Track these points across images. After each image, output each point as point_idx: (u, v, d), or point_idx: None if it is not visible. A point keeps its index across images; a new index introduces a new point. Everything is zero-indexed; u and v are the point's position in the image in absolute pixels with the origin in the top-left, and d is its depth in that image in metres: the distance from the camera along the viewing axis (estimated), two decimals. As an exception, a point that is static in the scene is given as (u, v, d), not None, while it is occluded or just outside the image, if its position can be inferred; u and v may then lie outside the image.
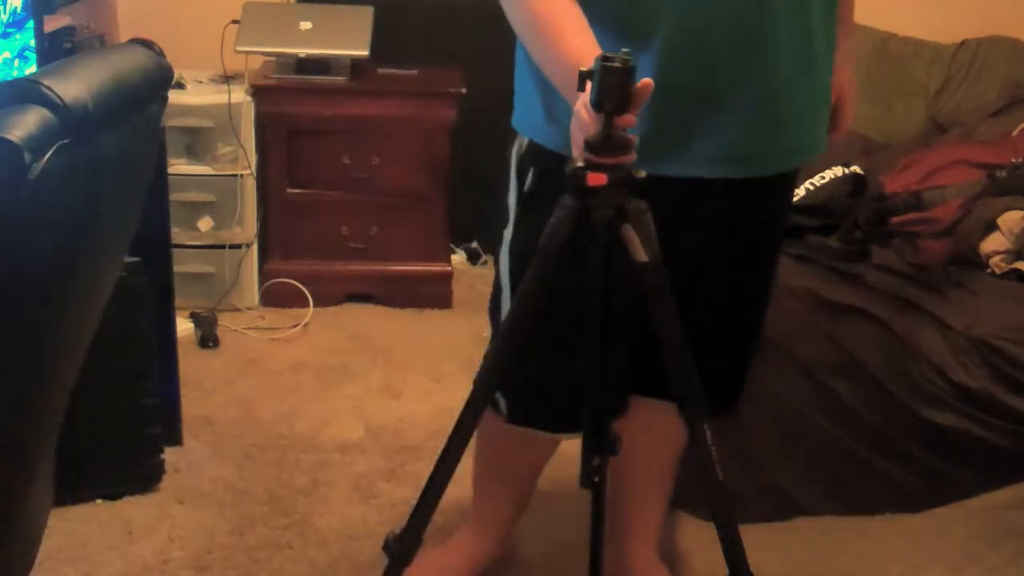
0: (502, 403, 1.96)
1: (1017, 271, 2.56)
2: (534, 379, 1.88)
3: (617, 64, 1.42)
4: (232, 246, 3.48)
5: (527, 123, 1.88)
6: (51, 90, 1.05)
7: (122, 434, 2.44)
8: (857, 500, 2.41)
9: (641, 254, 1.52)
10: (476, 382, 1.70)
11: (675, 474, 2.18)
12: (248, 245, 3.51)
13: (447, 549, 2.20)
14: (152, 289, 2.42)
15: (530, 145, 1.87)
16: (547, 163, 1.82)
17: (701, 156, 1.73)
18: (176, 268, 2.79)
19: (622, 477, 2.05)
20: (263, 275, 3.57)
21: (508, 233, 1.94)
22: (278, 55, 3.55)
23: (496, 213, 2.00)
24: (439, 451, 1.67)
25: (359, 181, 3.54)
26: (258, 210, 3.54)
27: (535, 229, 1.87)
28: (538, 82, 1.81)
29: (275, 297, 3.56)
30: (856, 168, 2.89)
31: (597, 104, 1.45)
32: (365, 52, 3.46)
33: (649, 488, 2.18)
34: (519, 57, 1.86)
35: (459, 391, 2.15)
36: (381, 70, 3.62)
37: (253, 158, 3.47)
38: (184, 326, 3.17)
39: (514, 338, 1.62)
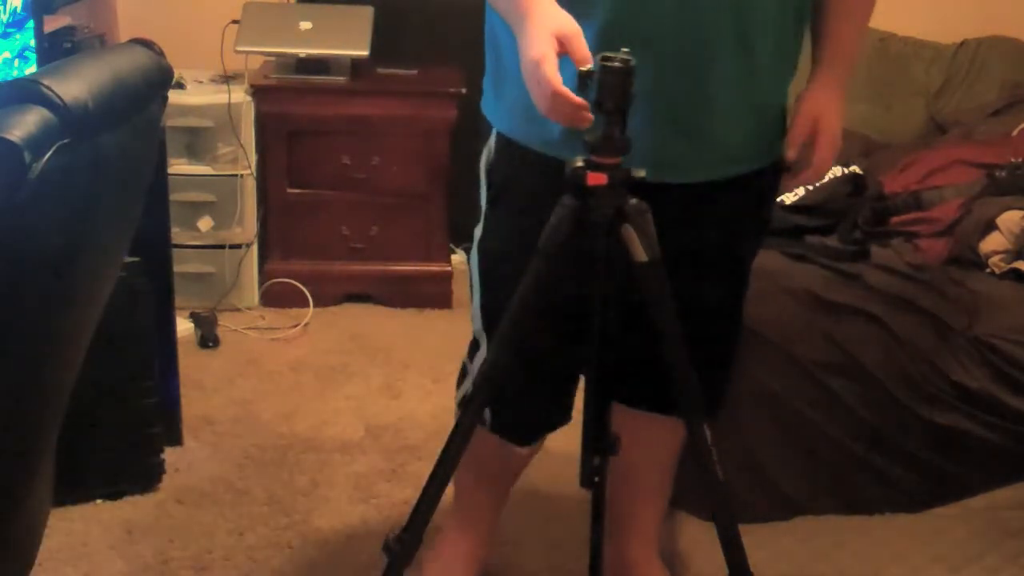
0: (487, 412, 1.93)
1: (1016, 271, 2.56)
2: (519, 391, 1.86)
3: (617, 64, 1.42)
4: (232, 246, 3.48)
5: (486, 100, 1.86)
6: (51, 90, 1.05)
7: (122, 434, 2.44)
8: (857, 500, 2.41)
9: (641, 254, 1.52)
10: (475, 382, 1.69)
11: (675, 474, 2.18)
12: (248, 245, 3.51)
13: (437, 553, 2.18)
14: (152, 289, 2.42)
15: (497, 144, 1.85)
16: (514, 162, 1.81)
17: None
18: (176, 268, 2.79)
19: (622, 477, 2.04)
20: (263, 275, 3.57)
21: (478, 231, 1.93)
22: (278, 55, 3.55)
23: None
24: (439, 451, 1.67)
25: (359, 181, 3.54)
26: (258, 210, 3.55)
27: (503, 228, 1.86)
28: (491, 50, 1.79)
29: (275, 297, 3.56)
30: (856, 168, 2.89)
31: (597, 104, 1.45)
32: (365, 52, 3.46)
33: (649, 488, 2.17)
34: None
35: (459, 391, 2.15)
36: (381, 70, 3.62)
37: (253, 158, 3.47)
38: (184, 326, 3.17)
39: (514, 339, 1.61)
